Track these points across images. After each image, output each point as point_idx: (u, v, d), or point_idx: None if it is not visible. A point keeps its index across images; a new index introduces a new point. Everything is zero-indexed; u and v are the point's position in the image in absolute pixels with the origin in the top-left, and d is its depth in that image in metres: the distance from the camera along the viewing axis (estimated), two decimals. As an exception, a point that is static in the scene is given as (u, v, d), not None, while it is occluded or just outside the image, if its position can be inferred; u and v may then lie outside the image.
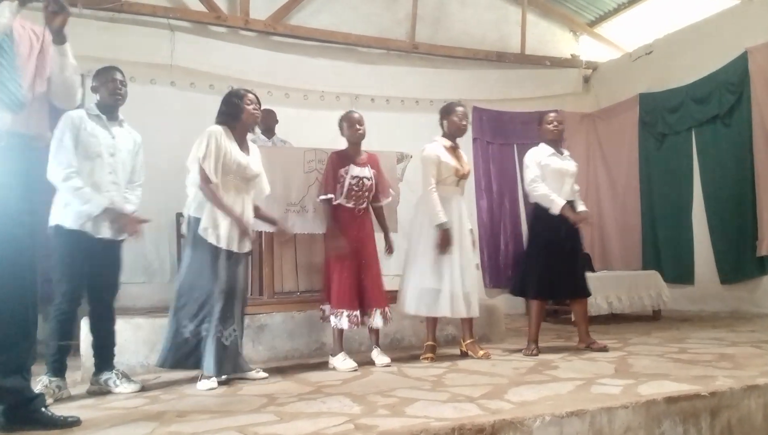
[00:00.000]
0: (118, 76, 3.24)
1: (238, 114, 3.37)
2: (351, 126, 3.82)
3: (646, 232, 6.91)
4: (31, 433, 2.27)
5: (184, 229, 3.44)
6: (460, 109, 4.00)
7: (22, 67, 2.32)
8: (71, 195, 3.02)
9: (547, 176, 3.97)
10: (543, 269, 3.90)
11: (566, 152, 4.12)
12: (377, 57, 6.90)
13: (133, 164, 3.30)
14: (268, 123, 5.50)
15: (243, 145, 3.42)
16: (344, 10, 6.76)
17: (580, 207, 4.07)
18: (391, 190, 4.00)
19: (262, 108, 5.44)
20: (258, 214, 3.54)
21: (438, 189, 3.81)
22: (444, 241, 3.72)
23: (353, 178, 3.74)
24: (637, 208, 7.03)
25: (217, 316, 3.24)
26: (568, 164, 4.05)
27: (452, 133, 3.97)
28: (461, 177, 3.91)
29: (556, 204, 3.88)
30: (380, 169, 3.92)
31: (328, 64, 6.57)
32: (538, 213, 4.01)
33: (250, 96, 3.42)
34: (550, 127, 4.02)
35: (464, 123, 3.97)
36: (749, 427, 2.60)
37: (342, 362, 3.62)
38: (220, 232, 3.24)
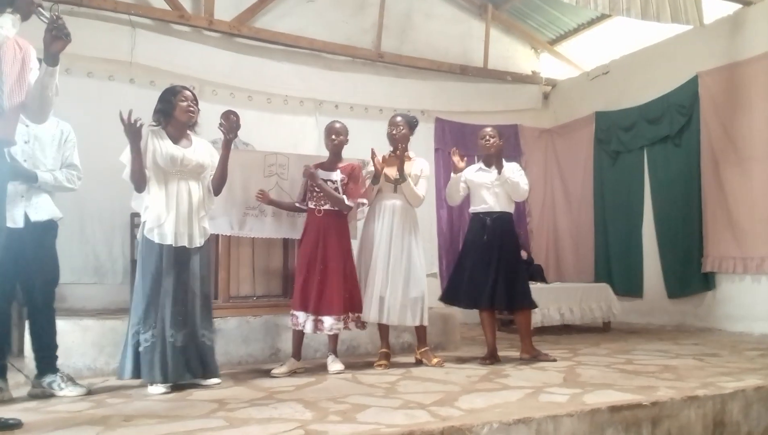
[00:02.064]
0: None
1: (170, 111, 3.33)
2: (327, 135, 3.89)
3: (599, 246, 7.11)
4: (-33, 436, 2.20)
5: (138, 235, 3.36)
6: (395, 119, 4.10)
7: (6, 75, 2.35)
8: None
9: (472, 190, 4.15)
10: (462, 277, 4.02)
11: (503, 163, 4.10)
12: (342, 64, 6.92)
13: (59, 152, 3.21)
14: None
15: (180, 141, 3.34)
16: (310, 15, 6.75)
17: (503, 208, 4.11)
18: (360, 200, 3.89)
19: (226, 110, 5.47)
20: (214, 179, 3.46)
21: (378, 195, 3.96)
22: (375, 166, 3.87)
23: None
24: (590, 223, 7.23)
25: (169, 319, 3.17)
26: (489, 176, 4.10)
27: (389, 142, 4.09)
28: (395, 182, 3.93)
29: (452, 178, 4.14)
30: (353, 177, 3.86)
31: (292, 68, 6.56)
32: (470, 224, 4.19)
33: (186, 93, 3.37)
34: (481, 142, 4.15)
35: (393, 132, 4.03)
36: (688, 437, 2.71)
37: (279, 367, 3.63)
38: (164, 230, 3.19)
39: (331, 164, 3.88)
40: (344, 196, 3.78)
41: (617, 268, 6.83)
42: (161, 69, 5.83)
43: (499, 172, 4.05)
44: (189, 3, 6.19)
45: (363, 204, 3.92)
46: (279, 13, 6.65)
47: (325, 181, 3.79)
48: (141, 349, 3.15)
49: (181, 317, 3.23)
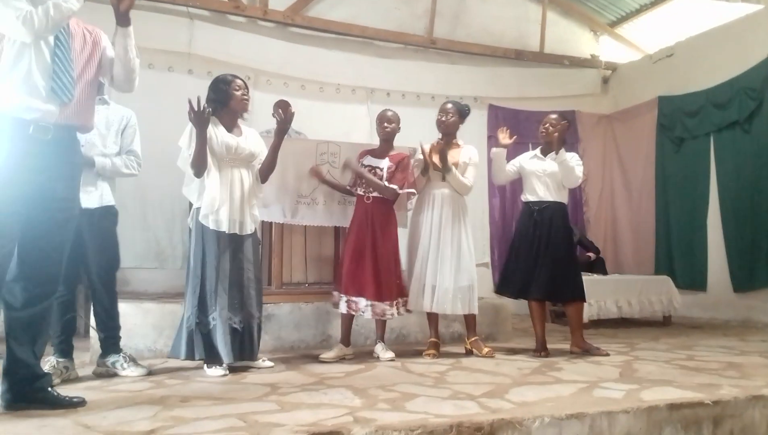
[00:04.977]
0: None
1: (226, 100, 3.36)
2: (380, 123, 3.93)
3: (660, 237, 6.84)
4: (36, 412, 2.32)
5: (189, 221, 3.43)
6: (445, 106, 4.05)
7: (75, 60, 2.45)
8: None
9: (524, 178, 4.10)
10: (516, 268, 3.98)
11: (561, 154, 3.98)
12: (394, 51, 6.88)
13: (118, 138, 3.28)
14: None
15: (232, 129, 3.40)
16: (362, 3, 6.73)
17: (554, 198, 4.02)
18: (409, 190, 3.87)
19: (279, 99, 5.55)
20: (265, 162, 3.51)
21: (427, 184, 3.95)
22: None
23: (364, 166, 3.84)
24: (651, 212, 6.96)
25: (227, 303, 3.25)
26: (549, 165, 4.02)
27: (438, 130, 4.07)
28: (441, 171, 3.89)
29: (494, 153, 4.13)
30: (401, 166, 3.84)
31: (344, 57, 6.57)
32: (521, 213, 4.14)
33: (238, 81, 3.40)
34: (541, 129, 4.08)
35: (443, 118, 4.00)
36: (753, 438, 2.58)
37: (328, 352, 3.69)
38: (220, 217, 3.24)
39: (381, 152, 3.90)
40: (386, 183, 3.77)
41: (679, 260, 6.56)
42: (218, 59, 5.94)
43: (557, 153, 3.96)
44: (244, -7, 6.29)
45: (412, 193, 3.91)
46: (332, 2, 6.66)
47: (373, 168, 3.82)
48: (204, 331, 3.22)
49: (237, 301, 3.31)
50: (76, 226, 3.04)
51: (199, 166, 3.24)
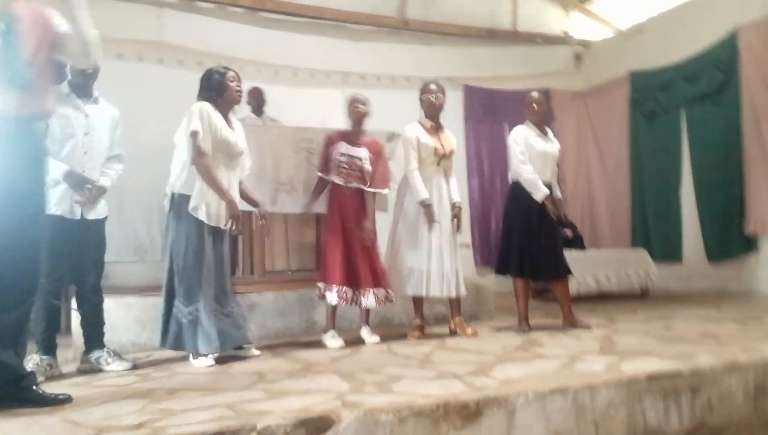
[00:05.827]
0: None
1: (221, 91, 3.32)
2: (351, 104, 3.88)
3: (635, 210, 6.97)
4: (22, 411, 2.29)
5: (166, 205, 3.37)
6: (431, 86, 4.01)
7: (26, 44, 2.35)
8: None
9: (532, 158, 3.98)
10: (522, 247, 3.96)
11: (550, 133, 4.12)
12: (367, 34, 6.83)
13: (111, 139, 3.30)
14: (258, 101, 5.46)
15: (228, 123, 3.37)
16: (334, -15, 6.67)
17: (556, 192, 4.11)
18: (392, 184, 3.94)
19: (252, 87, 5.48)
20: (242, 193, 3.50)
21: (419, 169, 3.87)
22: (429, 216, 3.79)
23: (342, 154, 3.77)
24: (626, 187, 7.08)
25: (213, 294, 3.24)
26: (551, 147, 4.06)
27: (426, 111, 4.00)
28: (442, 157, 3.92)
29: (540, 192, 3.91)
30: (382, 158, 3.88)
31: (317, 41, 6.51)
32: (516, 192, 4.04)
33: (232, 73, 3.36)
34: (531, 108, 4.05)
35: (434, 100, 3.96)
36: (730, 405, 2.66)
37: (330, 339, 3.67)
38: (210, 210, 3.22)
39: (354, 138, 3.85)
40: (379, 190, 3.83)
41: (655, 233, 6.70)
42: (188, 48, 5.85)
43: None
44: (212, -21, 6.17)
45: (392, 187, 3.94)
46: (302, -15, 6.57)
47: (351, 157, 3.78)
48: (187, 320, 3.18)
49: (222, 290, 3.31)
50: (70, 229, 3.07)
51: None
